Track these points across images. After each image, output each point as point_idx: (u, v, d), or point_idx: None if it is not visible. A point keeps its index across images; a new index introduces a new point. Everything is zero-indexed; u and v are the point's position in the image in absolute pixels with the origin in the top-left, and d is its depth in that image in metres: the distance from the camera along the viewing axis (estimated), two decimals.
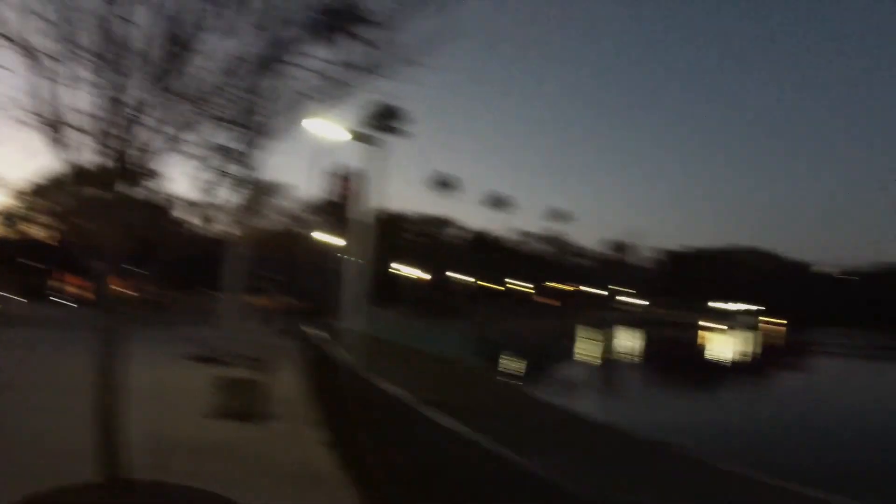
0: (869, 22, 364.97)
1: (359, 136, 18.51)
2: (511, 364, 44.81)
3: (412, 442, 6.68)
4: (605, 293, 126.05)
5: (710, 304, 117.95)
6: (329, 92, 7.41)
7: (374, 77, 7.29)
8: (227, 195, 8.50)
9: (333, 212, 37.27)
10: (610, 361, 53.30)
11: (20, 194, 62.32)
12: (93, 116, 6.40)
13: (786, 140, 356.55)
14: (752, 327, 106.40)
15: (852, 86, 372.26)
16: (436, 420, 5.81)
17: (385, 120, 20.30)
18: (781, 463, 17.32)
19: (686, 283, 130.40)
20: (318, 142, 18.30)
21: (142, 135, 6.52)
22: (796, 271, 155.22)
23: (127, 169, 6.55)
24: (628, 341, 71.02)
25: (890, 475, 17.76)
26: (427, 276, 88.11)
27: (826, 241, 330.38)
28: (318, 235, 48.26)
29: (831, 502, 12.74)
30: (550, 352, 57.06)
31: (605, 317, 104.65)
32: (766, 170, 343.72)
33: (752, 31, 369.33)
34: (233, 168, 7.65)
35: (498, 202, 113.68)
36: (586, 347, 64.14)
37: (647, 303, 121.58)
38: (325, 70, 7.17)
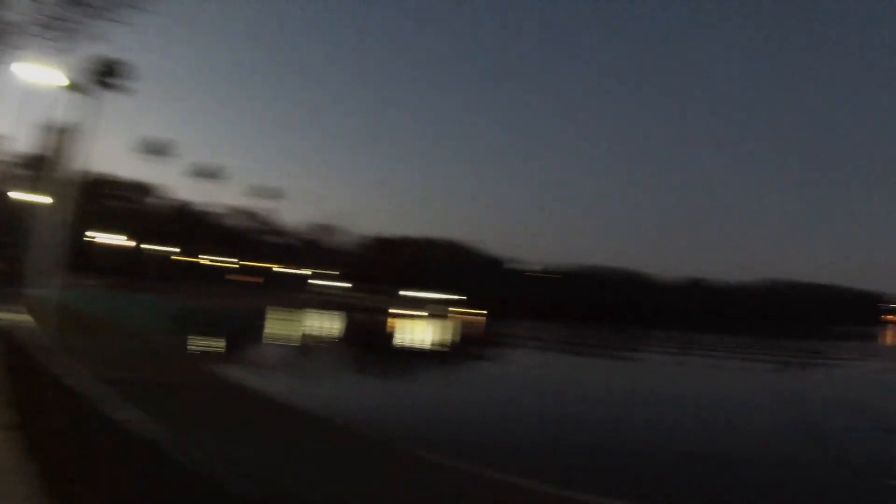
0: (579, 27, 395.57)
1: (75, 88, 17.08)
2: (204, 342, 43.53)
3: (90, 427, 6.34)
4: (307, 274, 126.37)
5: (408, 290, 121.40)
6: (46, 30, 6.69)
7: (96, 20, 6.70)
8: None
9: (38, 167, 34.38)
10: (305, 343, 52.84)
11: None
12: None
13: (496, 141, 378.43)
14: (446, 316, 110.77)
15: (561, 90, 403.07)
16: (106, 408, 5.60)
17: (105, 74, 18.77)
18: (464, 444, 17.97)
19: (386, 269, 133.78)
20: (29, 89, 16.66)
21: None
22: (493, 265, 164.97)
23: None
24: (326, 324, 71.24)
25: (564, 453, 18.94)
26: (128, 245, 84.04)
27: (527, 241, 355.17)
28: (20, 191, 44.16)
29: (520, 485, 13.11)
30: (245, 330, 56.38)
31: (305, 298, 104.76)
32: (474, 167, 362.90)
33: (467, 24, 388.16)
34: None
35: (207, 173, 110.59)
36: (282, 328, 64.02)
37: (347, 286, 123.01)
38: (42, 4, 6.46)
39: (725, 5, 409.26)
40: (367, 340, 61.43)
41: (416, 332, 74.87)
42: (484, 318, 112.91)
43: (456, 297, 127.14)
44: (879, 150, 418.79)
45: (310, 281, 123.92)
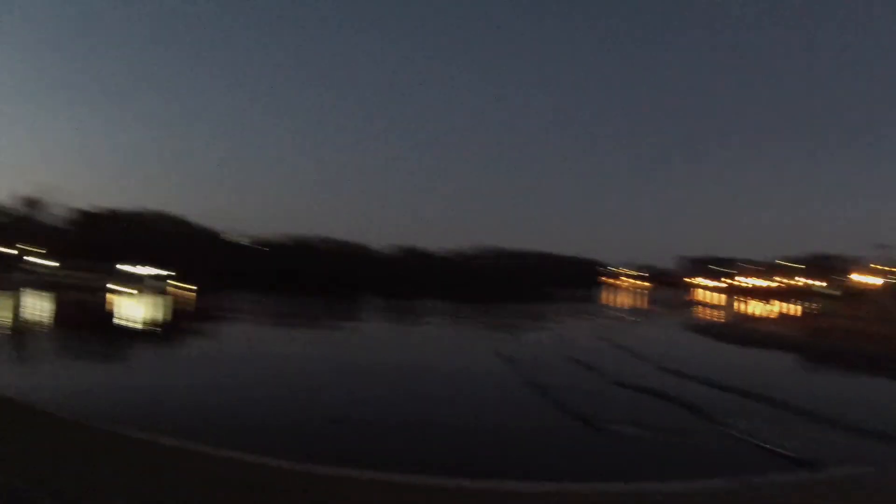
0: None
1: None
2: None
3: None
4: (14, 252, 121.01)
5: (121, 266, 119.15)
6: None
7: None
8: None
9: None
10: (16, 327, 50.67)
11: None
12: None
13: (213, 112, 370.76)
14: (162, 291, 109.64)
15: (264, 64, 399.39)
16: None
17: None
18: (194, 425, 19.30)
19: (98, 244, 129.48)
20: None
21: None
22: (207, 238, 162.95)
23: None
24: (37, 305, 69.01)
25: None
26: None
27: (236, 213, 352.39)
28: None
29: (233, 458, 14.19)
30: None
31: (16, 277, 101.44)
32: (190, 137, 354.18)
33: None
34: None
35: None
36: None
37: (57, 264, 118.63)
38: None
39: None
40: (81, 321, 60.24)
41: (132, 309, 73.20)
42: (197, 293, 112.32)
43: (172, 271, 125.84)
44: (588, 125, 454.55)
45: (24, 259, 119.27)
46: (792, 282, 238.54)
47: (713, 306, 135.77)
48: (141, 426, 17.24)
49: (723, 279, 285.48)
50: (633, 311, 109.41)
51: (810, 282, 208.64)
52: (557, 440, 19.90)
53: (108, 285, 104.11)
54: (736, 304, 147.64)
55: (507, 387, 29.26)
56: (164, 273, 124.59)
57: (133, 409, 21.51)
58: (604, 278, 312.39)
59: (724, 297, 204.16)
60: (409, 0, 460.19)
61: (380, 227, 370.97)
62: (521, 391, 28.06)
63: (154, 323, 62.79)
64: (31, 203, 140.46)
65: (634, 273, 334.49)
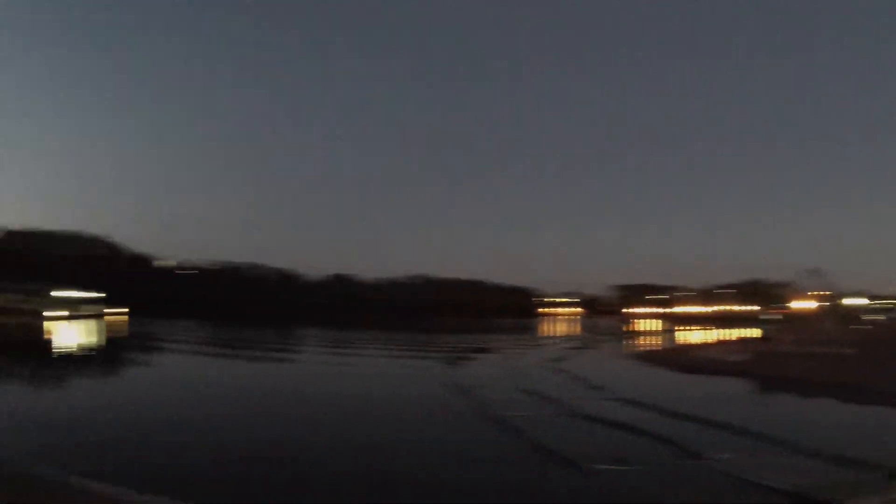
0: None
1: None
2: None
3: None
4: None
5: (52, 290, 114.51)
6: None
7: None
8: None
9: None
10: None
11: None
12: None
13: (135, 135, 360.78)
14: (98, 315, 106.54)
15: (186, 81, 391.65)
16: None
17: None
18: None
19: (25, 266, 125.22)
20: None
21: None
22: (138, 262, 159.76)
23: None
24: None
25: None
26: None
27: (168, 238, 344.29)
28: None
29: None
30: None
31: None
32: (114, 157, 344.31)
33: None
34: None
35: None
36: None
37: None
38: None
39: None
40: (14, 347, 58.87)
41: (72, 334, 71.54)
42: (129, 316, 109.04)
43: (103, 294, 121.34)
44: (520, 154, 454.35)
45: None
46: (728, 307, 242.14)
47: (652, 334, 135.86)
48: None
49: (659, 306, 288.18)
50: (574, 339, 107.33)
51: (747, 307, 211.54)
52: (540, 483, 18.38)
53: (39, 309, 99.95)
54: (675, 331, 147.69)
55: (468, 422, 27.82)
56: (97, 296, 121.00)
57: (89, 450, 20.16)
58: (539, 308, 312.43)
59: (661, 324, 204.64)
60: None
61: (313, 254, 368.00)
62: (483, 426, 26.75)
63: (94, 348, 60.58)
64: None
65: (568, 301, 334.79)
